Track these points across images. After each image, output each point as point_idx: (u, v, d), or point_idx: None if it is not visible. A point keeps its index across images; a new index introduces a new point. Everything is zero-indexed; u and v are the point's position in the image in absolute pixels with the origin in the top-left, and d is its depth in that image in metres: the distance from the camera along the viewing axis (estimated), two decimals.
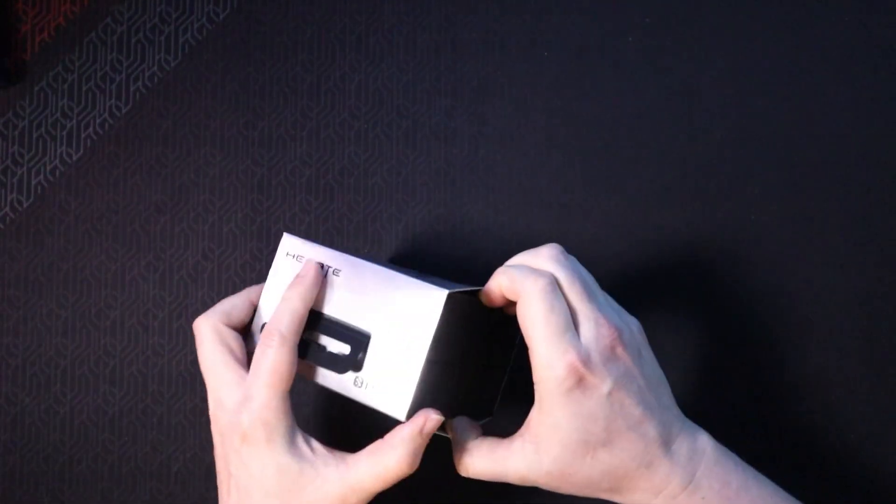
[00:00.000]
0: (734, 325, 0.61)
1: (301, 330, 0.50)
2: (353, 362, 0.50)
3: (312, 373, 0.51)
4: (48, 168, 0.62)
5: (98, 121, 0.62)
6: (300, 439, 0.49)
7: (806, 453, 0.61)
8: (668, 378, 0.51)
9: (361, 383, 0.50)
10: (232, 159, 0.62)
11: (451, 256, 0.61)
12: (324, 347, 0.50)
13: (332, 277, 0.51)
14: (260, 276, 0.61)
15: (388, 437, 0.49)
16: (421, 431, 0.48)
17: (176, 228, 0.61)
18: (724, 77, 0.62)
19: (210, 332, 0.51)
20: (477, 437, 0.51)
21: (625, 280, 0.61)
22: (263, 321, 0.52)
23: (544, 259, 0.49)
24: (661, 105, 0.62)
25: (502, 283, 0.49)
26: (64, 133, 0.62)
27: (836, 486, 0.61)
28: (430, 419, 0.48)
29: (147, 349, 0.61)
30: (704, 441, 0.50)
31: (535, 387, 0.48)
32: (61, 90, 0.62)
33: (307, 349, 0.51)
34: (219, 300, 0.53)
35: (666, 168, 0.62)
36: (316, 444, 0.50)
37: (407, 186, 0.62)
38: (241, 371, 0.50)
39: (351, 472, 0.48)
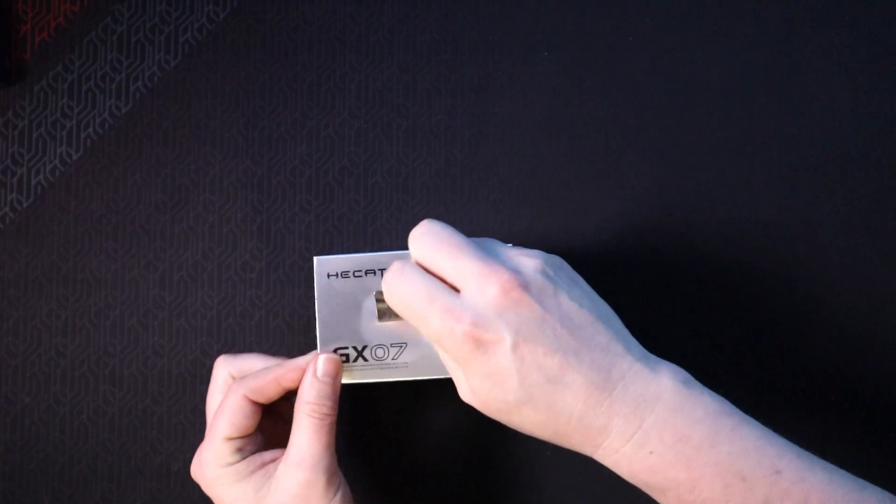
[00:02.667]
0: (734, 325, 0.61)
1: (260, 392, 0.52)
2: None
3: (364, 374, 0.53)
4: (48, 168, 0.62)
5: (98, 121, 0.62)
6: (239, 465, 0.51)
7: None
8: None
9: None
10: (232, 159, 0.62)
11: None
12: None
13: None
14: (260, 276, 0.61)
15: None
16: (315, 375, 0.49)
17: (176, 228, 0.61)
18: (724, 77, 0.62)
19: (221, 381, 0.54)
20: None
21: (624, 280, 0.61)
22: (322, 350, 0.53)
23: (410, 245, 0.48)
24: (661, 105, 0.62)
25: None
26: (64, 133, 0.62)
27: None
28: (322, 360, 0.50)
29: (147, 349, 0.61)
30: (664, 383, 0.44)
31: (444, 364, 0.48)
32: (61, 90, 0.62)
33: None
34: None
35: (666, 168, 0.62)
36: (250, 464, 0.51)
37: (407, 186, 0.62)
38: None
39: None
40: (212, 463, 0.51)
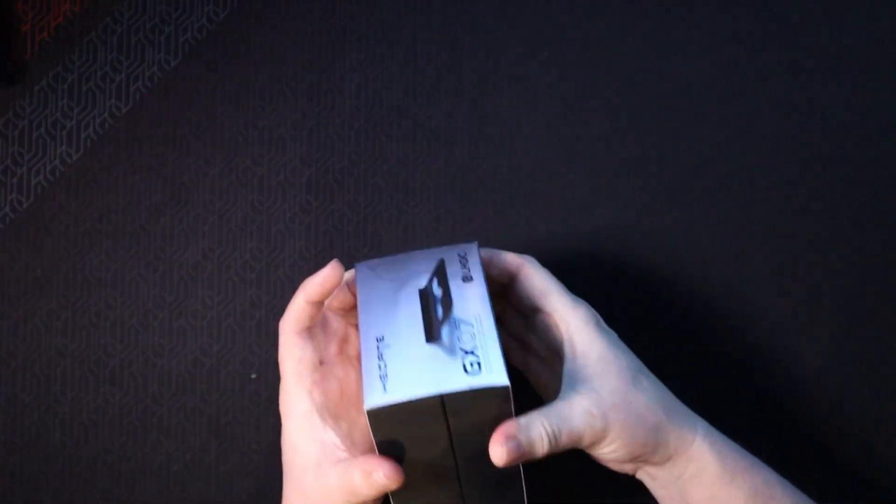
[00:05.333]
0: (733, 325, 0.61)
1: (302, 320, 0.51)
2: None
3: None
4: (48, 168, 0.62)
5: (98, 121, 0.62)
6: (316, 424, 0.49)
7: (804, 454, 0.61)
8: (664, 381, 0.51)
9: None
10: (232, 159, 0.62)
11: None
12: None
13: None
14: (260, 276, 0.61)
15: (360, 458, 0.48)
16: (367, 477, 0.47)
17: (176, 228, 0.61)
18: (723, 77, 0.62)
19: (281, 336, 0.52)
20: (530, 413, 0.48)
21: (624, 280, 0.61)
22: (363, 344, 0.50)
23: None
24: (661, 105, 0.62)
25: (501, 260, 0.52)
26: (64, 133, 0.62)
27: (836, 487, 0.61)
28: (378, 473, 0.47)
29: (147, 349, 0.61)
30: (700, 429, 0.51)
31: (564, 336, 0.50)
32: (61, 90, 0.62)
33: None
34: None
35: (666, 168, 0.62)
36: (330, 434, 0.49)
37: (407, 186, 0.62)
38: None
39: (328, 478, 0.48)
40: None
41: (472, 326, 0.48)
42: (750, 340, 0.61)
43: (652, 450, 0.49)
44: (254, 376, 0.61)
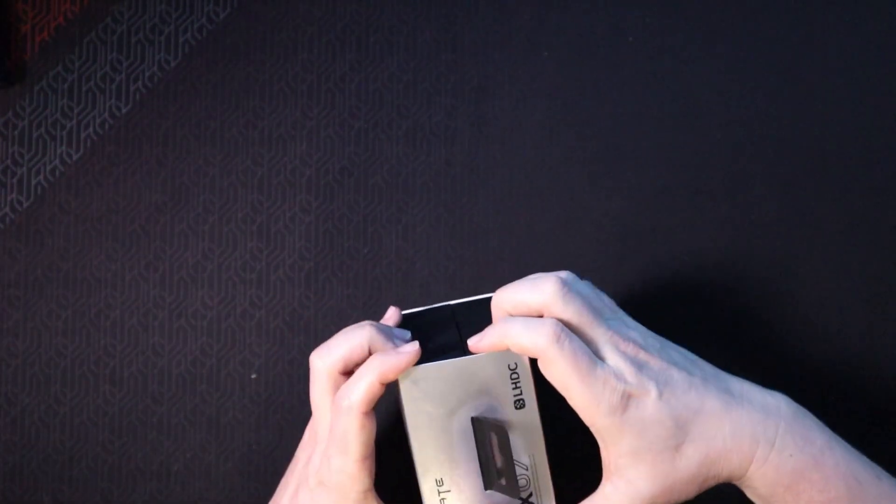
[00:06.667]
0: (734, 325, 0.61)
1: (373, 401, 0.49)
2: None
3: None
4: (48, 168, 0.62)
5: (98, 121, 0.62)
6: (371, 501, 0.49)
7: None
8: None
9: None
10: (232, 159, 0.62)
11: (452, 256, 0.61)
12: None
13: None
14: (260, 276, 0.61)
15: None
16: None
17: (176, 228, 0.61)
18: (724, 77, 0.62)
19: (324, 377, 0.50)
20: None
21: (624, 280, 0.61)
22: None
23: (546, 297, 0.48)
24: (661, 105, 0.62)
25: (508, 342, 0.48)
26: (64, 133, 0.62)
27: None
28: None
29: (147, 349, 0.61)
30: (778, 397, 0.49)
31: (591, 429, 0.48)
32: (61, 90, 0.62)
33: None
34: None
35: (666, 168, 0.62)
36: None
37: (407, 186, 0.62)
38: None
39: None
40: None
41: (528, 470, 0.50)
42: (751, 340, 0.61)
43: (713, 485, 0.49)
44: (254, 376, 0.61)
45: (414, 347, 0.48)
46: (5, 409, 0.61)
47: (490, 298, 0.50)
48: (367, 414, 0.48)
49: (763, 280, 0.61)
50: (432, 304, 0.55)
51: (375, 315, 0.61)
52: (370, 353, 0.50)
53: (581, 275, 0.51)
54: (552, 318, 0.47)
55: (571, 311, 0.48)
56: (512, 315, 0.49)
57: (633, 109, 0.62)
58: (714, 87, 0.62)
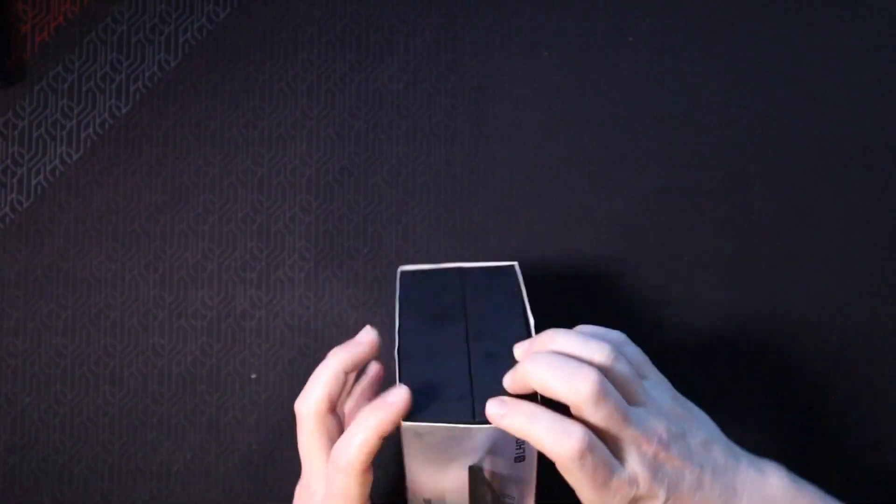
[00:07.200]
0: (734, 325, 0.61)
1: (371, 456, 0.47)
2: None
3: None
4: (48, 168, 0.62)
5: (98, 121, 0.62)
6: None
7: (805, 454, 0.61)
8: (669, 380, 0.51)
9: None
10: (232, 159, 0.62)
11: (452, 256, 0.61)
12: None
13: None
14: (260, 276, 0.61)
15: None
16: None
17: (176, 228, 0.61)
18: (723, 77, 0.62)
19: (310, 420, 0.49)
20: None
21: (624, 280, 0.61)
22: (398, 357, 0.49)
23: (579, 399, 0.46)
24: (661, 105, 0.62)
25: (529, 437, 0.46)
26: (64, 133, 0.62)
27: (835, 487, 0.61)
28: None
29: (147, 349, 0.61)
30: (773, 483, 0.50)
31: None
32: (61, 90, 0.62)
33: None
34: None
35: (666, 168, 0.62)
36: None
37: (407, 186, 0.62)
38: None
39: None
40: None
41: None
42: (751, 340, 0.61)
43: None
44: (254, 376, 0.61)
45: (402, 396, 0.46)
46: (5, 409, 0.61)
47: (505, 268, 0.49)
48: (365, 471, 0.47)
49: (763, 280, 0.61)
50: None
51: (375, 315, 0.61)
52: (348, 376, 0.50)
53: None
54: (580, 428, 0.46)
55: (601, 416, 0.46)
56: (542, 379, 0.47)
57: (633, 109, 0.62)
58: (714, 87, 0.62)
